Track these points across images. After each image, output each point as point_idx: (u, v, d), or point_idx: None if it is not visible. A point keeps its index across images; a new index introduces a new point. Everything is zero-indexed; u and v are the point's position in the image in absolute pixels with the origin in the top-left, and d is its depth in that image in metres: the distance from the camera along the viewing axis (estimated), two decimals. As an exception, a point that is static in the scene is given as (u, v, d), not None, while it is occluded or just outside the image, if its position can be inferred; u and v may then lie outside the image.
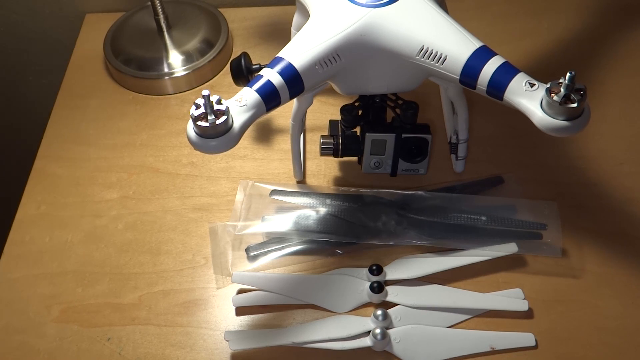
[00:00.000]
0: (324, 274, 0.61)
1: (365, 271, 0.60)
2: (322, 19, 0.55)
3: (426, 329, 0.56)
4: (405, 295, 0.58)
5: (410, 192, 0.65)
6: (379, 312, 0.56)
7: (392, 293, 0.58)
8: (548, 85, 0.48)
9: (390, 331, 0.55)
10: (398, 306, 0.58)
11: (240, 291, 0.60)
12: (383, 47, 0.54)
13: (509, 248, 0.60)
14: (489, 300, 0.58)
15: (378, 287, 0.58)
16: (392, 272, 0.60)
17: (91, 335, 0.59)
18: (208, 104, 0.47)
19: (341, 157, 0.65)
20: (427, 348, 0.55)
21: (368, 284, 0.58)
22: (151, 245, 0.65)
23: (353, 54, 0.54)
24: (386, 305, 0.58)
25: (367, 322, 0.56)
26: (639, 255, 0.61)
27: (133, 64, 0.79)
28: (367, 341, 0.55)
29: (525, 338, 0.56)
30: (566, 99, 0.47)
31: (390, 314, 0.57)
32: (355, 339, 0.55)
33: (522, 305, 0.57)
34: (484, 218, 0.62)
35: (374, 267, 0.59)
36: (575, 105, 0.46)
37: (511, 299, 0.58)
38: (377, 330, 0.55)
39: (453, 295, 0.58)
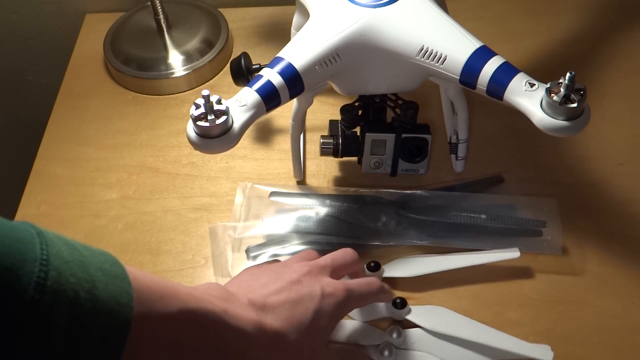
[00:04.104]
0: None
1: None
2: (322, 19, 0.55)
3: None
4: (428, 317, 0.56)
5: (410, 192, 0.65)
6: (395, 333, 0.54)
7: (415, 313, 0.56)
8: (548, 85, 0.48)
9: (399, 351, 0.54)
10: (417, 329, 0.55)
11: (240, 291, 0.60)
12: (383, 47, 0.54)
13: (511, 254, 0.59)
14: (515, 345, 0.54)
15: (401, 303, 0.56)
16: (390, 270, 0.59)
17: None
18: (208, 104, 0.47)
19: (341, 157, 0.65)
20: None
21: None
22: (151, 245, 0.64)
23: (353, 54, 0.54)
24: (404, 321, 0.56)
25: (382, 335, 0.55)
26: (639, 255, 0.61)
27: (133, 64, 0.79)
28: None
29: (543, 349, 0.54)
30: (566, 99, 0.47)
31: (406, 335, 0.55)
32: (366, 347, 0.55)
33: (547, 356, 0.54)
34: (483, 216, 0.62)
35: (372, 264, 0.58)
36: (575, 105, 0.46)
37: (539, 349, 0.54)
38: (386, 353, 0.53)
39: (477, 328, 0.55)
